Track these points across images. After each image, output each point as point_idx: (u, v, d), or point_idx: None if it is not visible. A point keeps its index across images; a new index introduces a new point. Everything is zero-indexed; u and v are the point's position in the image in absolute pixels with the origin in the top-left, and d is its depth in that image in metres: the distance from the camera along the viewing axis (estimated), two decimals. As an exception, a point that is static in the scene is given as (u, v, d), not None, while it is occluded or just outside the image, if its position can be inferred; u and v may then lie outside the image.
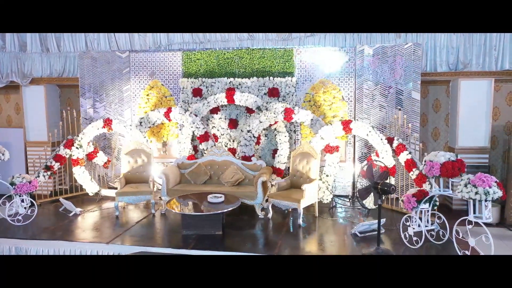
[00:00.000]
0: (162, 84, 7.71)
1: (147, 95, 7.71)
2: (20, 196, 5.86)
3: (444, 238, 4.92)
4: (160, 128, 7.67)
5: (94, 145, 7.49)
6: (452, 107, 7.47)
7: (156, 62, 7.73)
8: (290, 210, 6.39)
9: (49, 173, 6.82)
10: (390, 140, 6.16)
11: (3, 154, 5.73)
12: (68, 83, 8.62)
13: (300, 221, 5.75)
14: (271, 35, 7.81)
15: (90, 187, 7.18)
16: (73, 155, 7.05)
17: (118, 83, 7.88)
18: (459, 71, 7.30)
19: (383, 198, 4.87)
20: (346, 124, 6.38)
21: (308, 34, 7.69)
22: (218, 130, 7.46)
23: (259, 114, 7.14)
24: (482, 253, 4.24)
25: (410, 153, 5.92)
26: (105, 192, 7.41)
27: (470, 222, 4.28)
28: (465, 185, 4.14)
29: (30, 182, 5.86)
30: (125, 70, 7.83)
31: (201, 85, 7.43)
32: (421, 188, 5.00)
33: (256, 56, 7.30)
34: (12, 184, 5.79)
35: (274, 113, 6.82)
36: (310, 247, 5.02)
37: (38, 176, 6.67)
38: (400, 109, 6.70)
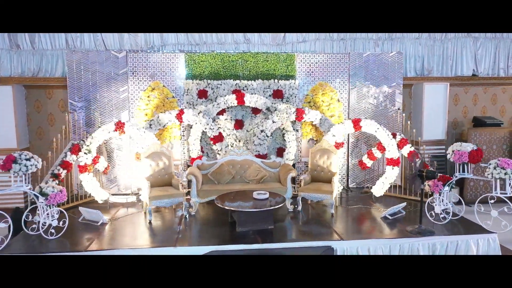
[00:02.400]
0: (163, 86, 7.58)
1: (148, 96, 7.51)
2: (51, 207, 5.37)
3: (460, 214, 5.99)
4: (163, 130, 7.54)
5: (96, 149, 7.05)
6: (416, 107, 8.81)
7: (156, 63, 7.56)
8: (309, 202, 6.93)
9: (57, 181, 6.27)
10: (393, 136, 7.13)
11: (38, 163, 5.18)
12: (45, 83, 7.91)
13: (333, 210, 6.37)
14: (266, 39, 8.26)
15: (100, 194, 6.75)
16: (81, 161, 6.57)
17: (114, 84, 7.50)
18: (424, 77, 8.68)
19: (425, 183, 5.72)
20: (356, 122, 7.18)
21: (300, 40, 8.33)
22: (224, 130, 7.63)
23: (264, 114, 7.56)
24: (504, 222, 5.38)
25: (412, 146, 6.98)
26: (114, 198, 7.04)
27: (492, 198, 5.41)
28: (494, 168, 5.23)
29: (61, 192, 5.41)
30: (122, 71, 7.49)
31: (206, 86, 7.52)
32: (442, 174, 6.03)
33: (261, 60, 7.68)
34: (43, 194, 5.27)
35: (287, 113, 7.30)
36: (362, 232, 5.66)
37: (46, 186, 6.09)
38: (399, 109, 7.76)
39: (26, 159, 4.99)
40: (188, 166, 7.64)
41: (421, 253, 5.29)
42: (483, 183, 8.35)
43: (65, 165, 6.43)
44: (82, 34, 7.75)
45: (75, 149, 6.56)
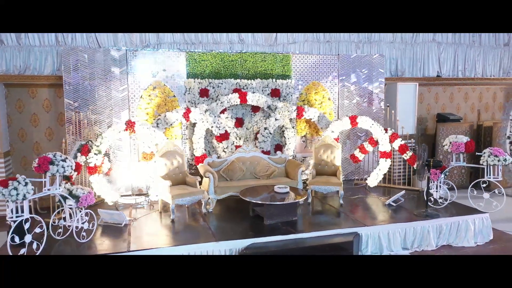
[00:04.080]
0: (164, 85, 7.53)
1: (149, 95, 7.41)
2: (81, 210, 5.18)
3: (452, 198, 6.77)
4: (164, 129, 7.48)
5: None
6: (390, 104, 9.64)
7: (157, 61, 7.47)
8: (313, 193, 7.33)
9: (69, 184, 6.00)
10: (385, 131, 7.80)
11: (72, 164, 4.95)
12: (34, 81, 7.47)
13: (341, 200, 6.85)
14: (259, 40, 8.55)
15: (110, 196, 6.56)
16: (90, 163, 6.34)
17: (113, 83, 7.29)
18: (398, 77, 9.53)
19: (429, 171, 6.37)
20: (353, 119, 7.73)
21: (291, 41, 8.74)
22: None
23: (263, 112, 7.87)
24: (495, 202, 6.25)
25: (402, 139, 7.70)
26: (122, 200, 6.87)
27: (484, 182, 6.25)
28: (489, 156, 6.06)
29: (90, 193, 5.25)
30: (122, 69, 7.31)
31: (208, 85, 7.61)
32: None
33: (259, 60, 7.94)
34: (74, 197, 5.08)
35: (288, 111, 7.66)
36: (377, 218, 6.20)
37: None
38: (388, 106, 8.46)
39: (62, 160, 4.79)
40: (191, 164, 7.67)
41: (431, 234, 5.95)
42: (456, 171, 9.39)
43: (76, 166, 6.15)
44: (73, 30, 7.42)
45: (85, 150, 6.32)
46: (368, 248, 5.72)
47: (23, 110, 7.73)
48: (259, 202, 5.84)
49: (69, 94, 7.11)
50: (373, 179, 7.77)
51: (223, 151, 7.48)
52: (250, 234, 5.45)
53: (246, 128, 7.94)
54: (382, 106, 8.79)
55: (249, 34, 8.43)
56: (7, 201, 4.25)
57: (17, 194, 4.23)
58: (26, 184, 4.33)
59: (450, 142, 6.42)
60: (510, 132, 8.40)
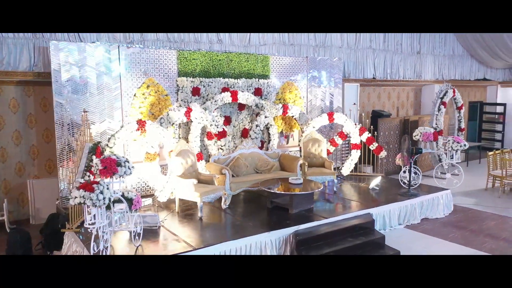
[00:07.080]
0: (157, 83, 7.32)
1: (143, 94, 7.14)
2: (133, 213, 4.93)
3: (419, 181, 8.09)
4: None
5: (102, 152, 6.37)
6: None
7: (149, 59, 7.22)
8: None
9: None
10: (355, 125, 8.85)
11: (133, 165, 4.66)
12: (8, 78, 6.55)
13: (335, 188, 7.64)
14: (236, 41, 8.85)
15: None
16: (104, 165, 5.92)
17: (105, 80, 6.82)
18: (346, 78, 10.75)
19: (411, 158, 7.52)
20: (330, 115, 8.60)
21: (262, 43, 9.24)
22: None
23: (248, 110, 8.25)
24: (455, 181, 7.73)
25: (369, 133, 8.85)
26: (131, 203, 6.52)
27: (445, 164, 7.71)
28: (453, 143, 7.51)
29: (138, 196, 5.04)
30: (114, 67, 6.88)
31: (199, 84, 7.65)
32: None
33: (243, 60, 8.24)
34: (128, 200, 4.82)
35: (276, 109, 8.16)
36: (374, 200, 7.13)
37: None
38: (354, 104, 9.49)
39: (126, 161, 4.55)
40: (185, 163, 7.61)
41: (417, 210, 7.14)
42: (391, 159, 10.96)
43: (91, 170, 5.72)
44: (53, 22, 6.72)
45: (99, 152, 5.89)
46: (377, 226, 6.61)
47: (-15, 109, 6.72)
48: (286, 193, 6.26)
49: (59, 92, 6.44)
50: (347, 168, 8.76)
51: (220, 148, 7.61)
52: (288, 223, 5.84)
53: (233, 126, 8.18)
54: (340, 104, 9.85)
55: (226, 34, 8.67)
56: (95, 206, 3.93)
57: (104, 198, 3.96)
58: (108, 187, 4.07)
59: (421, 133, 7.72)
60: (436, 124, 10.23)
